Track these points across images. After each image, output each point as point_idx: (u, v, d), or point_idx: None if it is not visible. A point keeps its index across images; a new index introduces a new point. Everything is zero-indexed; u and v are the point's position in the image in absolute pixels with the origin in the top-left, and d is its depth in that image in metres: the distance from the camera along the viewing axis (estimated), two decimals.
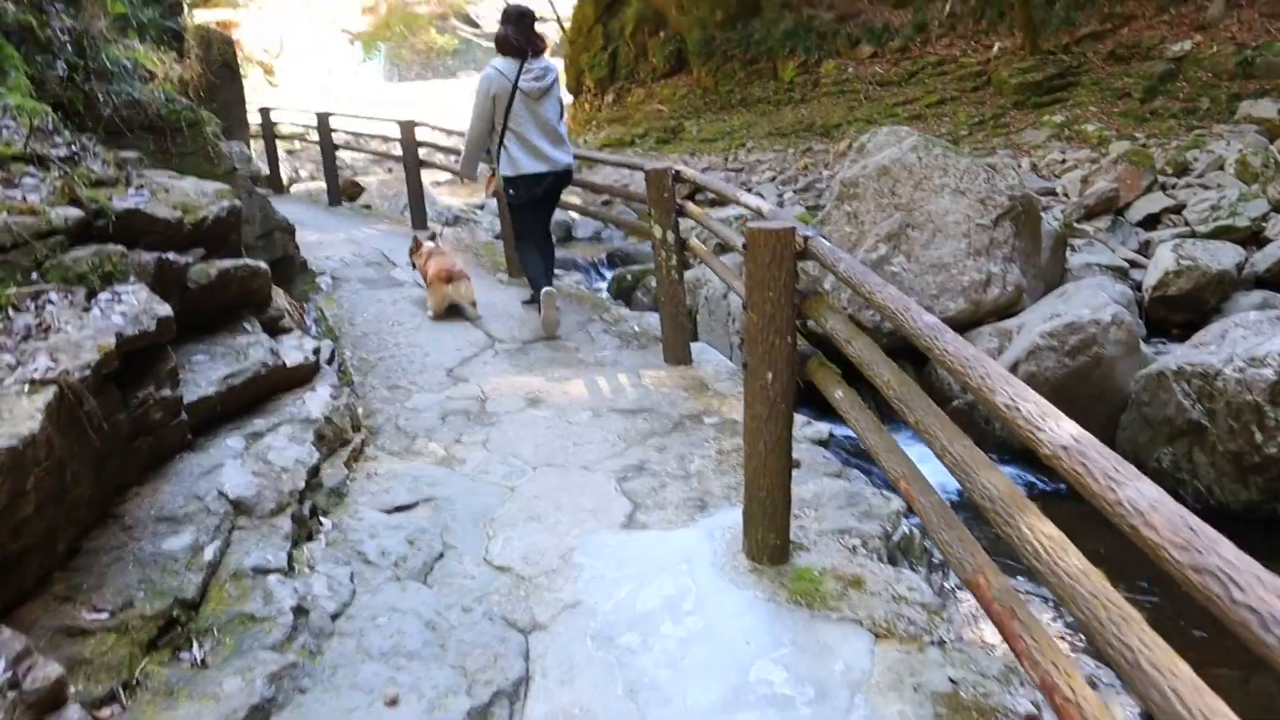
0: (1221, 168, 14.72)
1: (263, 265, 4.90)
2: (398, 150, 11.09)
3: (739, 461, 4.79)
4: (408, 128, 10.66)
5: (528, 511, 4.35)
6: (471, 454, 5.01)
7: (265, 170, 14.20)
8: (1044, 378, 8.01)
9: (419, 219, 10.81)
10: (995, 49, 20.87)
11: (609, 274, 13.79)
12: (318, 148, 13.48)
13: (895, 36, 23.01)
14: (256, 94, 35.60)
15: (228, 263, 4.59)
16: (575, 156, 7.17)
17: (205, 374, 4.28)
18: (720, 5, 25.82)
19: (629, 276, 12.62)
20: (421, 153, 11.04)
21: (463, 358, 6.54)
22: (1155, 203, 13.85)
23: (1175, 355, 7.62)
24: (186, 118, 6.92)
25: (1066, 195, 15.09)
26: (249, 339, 4.58)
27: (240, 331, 4.63)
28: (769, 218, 4.30)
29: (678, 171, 6.05)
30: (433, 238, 8.33)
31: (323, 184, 14.26)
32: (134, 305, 3.61)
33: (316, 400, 4.69)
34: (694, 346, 6.50)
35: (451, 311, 7.48)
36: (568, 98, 33.87)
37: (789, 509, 3.79)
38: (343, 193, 16.02)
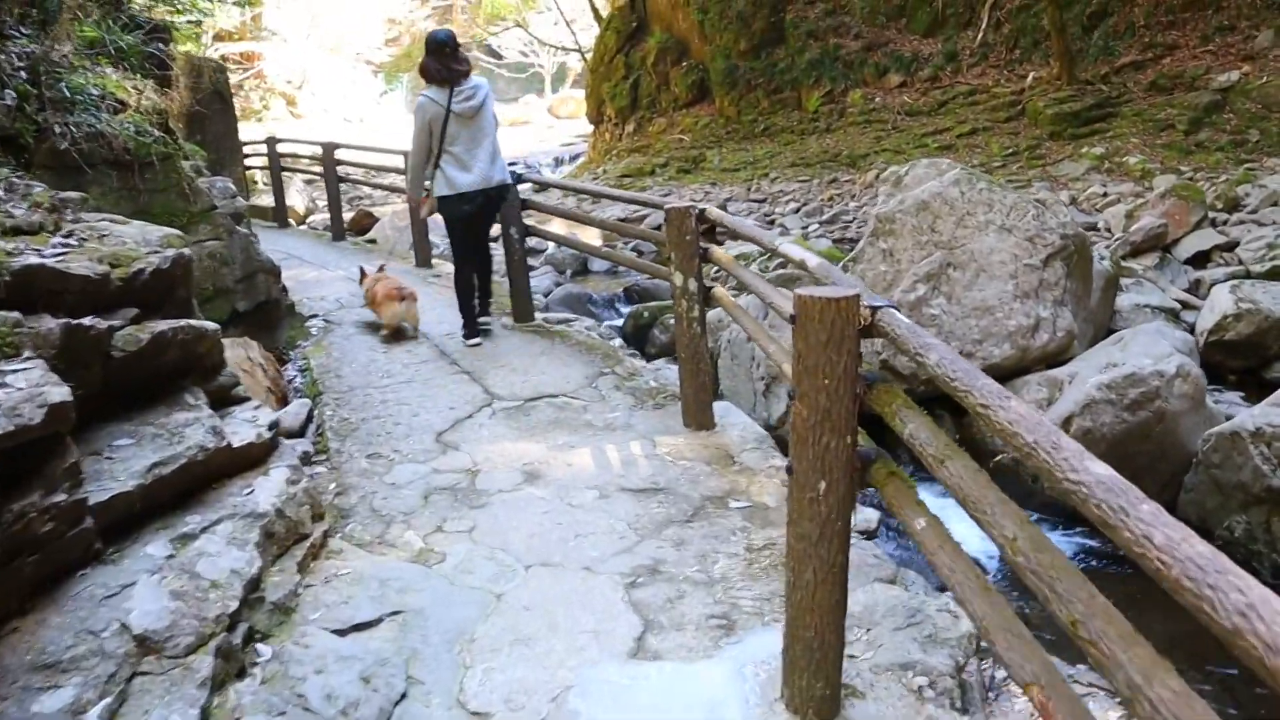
0: (1276, 203, 13.83)
1: (211, 326, 4.10)
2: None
3: (772, 562, 3.94)
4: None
5: (515, 631, 3.51)
6: (454, 546, 4.18)
7: (271, 202, 13.54)
8: (1100, 434, 7.17)
9: (423, 255, 10.03)
10: (1030, 79, 20.03)
11: (626, 309, 13.00)
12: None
13: (925, 66, 22.22)
14: (280, 125, 35.17)
15: (166, 324, 3.80)
16: (588, 191, 6.61)
17: (127, 463, 3.48)
18: (744, 34, 25.12)
19: (645, 314, 11.83)
20: None
21: (456, 418, 5.73)
22: (1206, 239, 12.98)
23: (1253, 414, 6.75)
24: (158, 151, 6.17)
25: (1109, 231, 14.21)
26: (188, 416, 3.78)
27: (179, 406, 3.83)
28: (816, 274, 3.48)
29: (701, 210, 5.24)
30: (381, 269, 8.29)
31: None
32: (16, 391, 2.82)
33: (269, 487, 3.88)
34: (716, 406, 5.66)
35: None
36: (585, 128, 33.34)
37: (841, 652, 2.94)
38: (354, 226, 15.31)
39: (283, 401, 5.97)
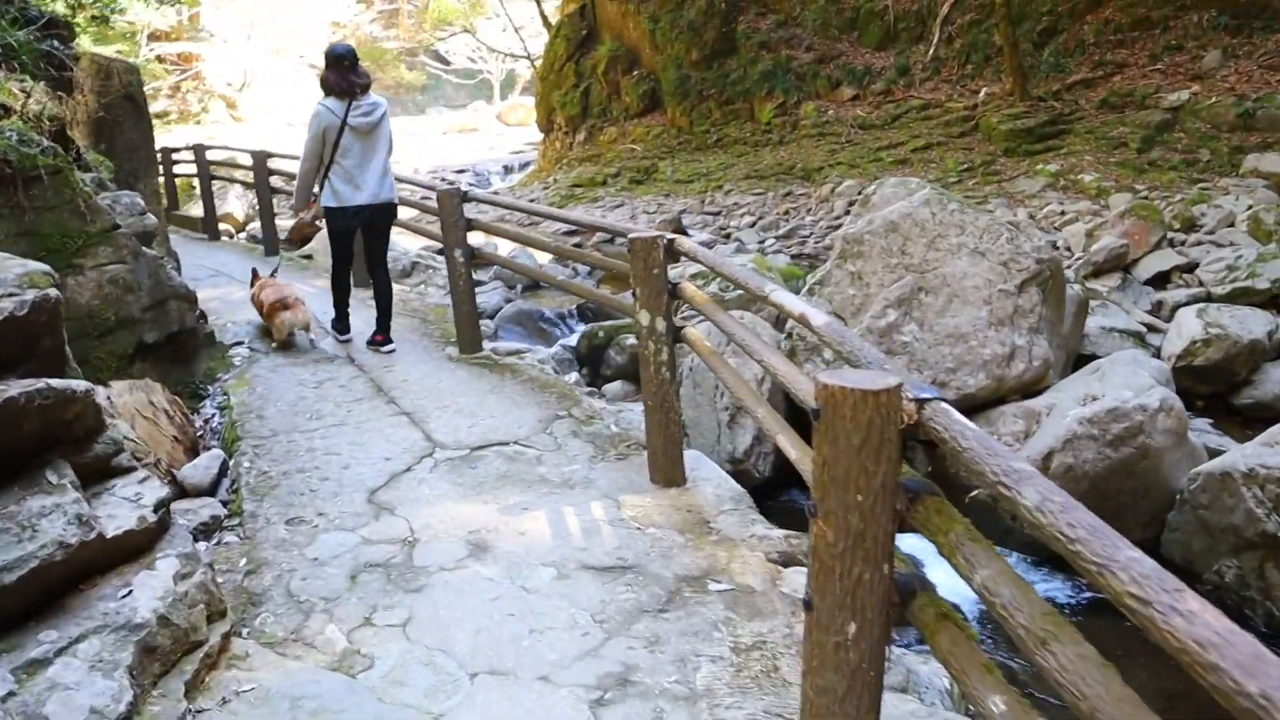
0: (1232, 224, 13.46)
1: (81, 386, 3.31)
2: None
3: (764, 668, 3.26)
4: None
5: None
6: (385, 646, 3.43)
7: (199, 213, 12.61)
8: (1082, 470, 6.66)
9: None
10: (982, 94, 19.61)
11: (579, 327, 12.30)
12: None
13: (877, 79, 21.75)
14: (220, 128, 33.92)
15: (19, 388, 3.02)
16: (542, 214, 5.96)
17: None
18: (695, 44, 24.50)
19: (600, 333, 11.19)
20: None
21: (392, 471, 4.96)
22: (1165, 260, 12.57)
23: (1244, 454, 6.23)
24: (45, 164, 5.34)
25: (1069, 250, 13.74)
26: (45, 502, 2.99)
27: (35, 489, 3.04)
28: (827, 337, 2.78)
29: (671, 241, 4.54)
30: (274, 272, 8.21)
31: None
32: None
33: (152, 586, 3.12)
34: (686, 455, 4.95)
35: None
36: (535, 136, 32.55)
37: None
38: (295, 237, 14.40)
39: (192, 452, 5.16)
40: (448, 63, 46.69)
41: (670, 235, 4.57)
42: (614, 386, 10.47)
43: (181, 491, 4.86)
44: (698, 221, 18.94)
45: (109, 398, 4.94)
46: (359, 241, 7.42)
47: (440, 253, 12.02)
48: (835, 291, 8.84)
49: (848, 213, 17.34)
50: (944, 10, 21.17)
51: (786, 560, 4.09)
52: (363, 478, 4.89)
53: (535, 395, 5.95)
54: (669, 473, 4.77)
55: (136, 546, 3.25)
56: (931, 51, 21.29)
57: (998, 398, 8.16)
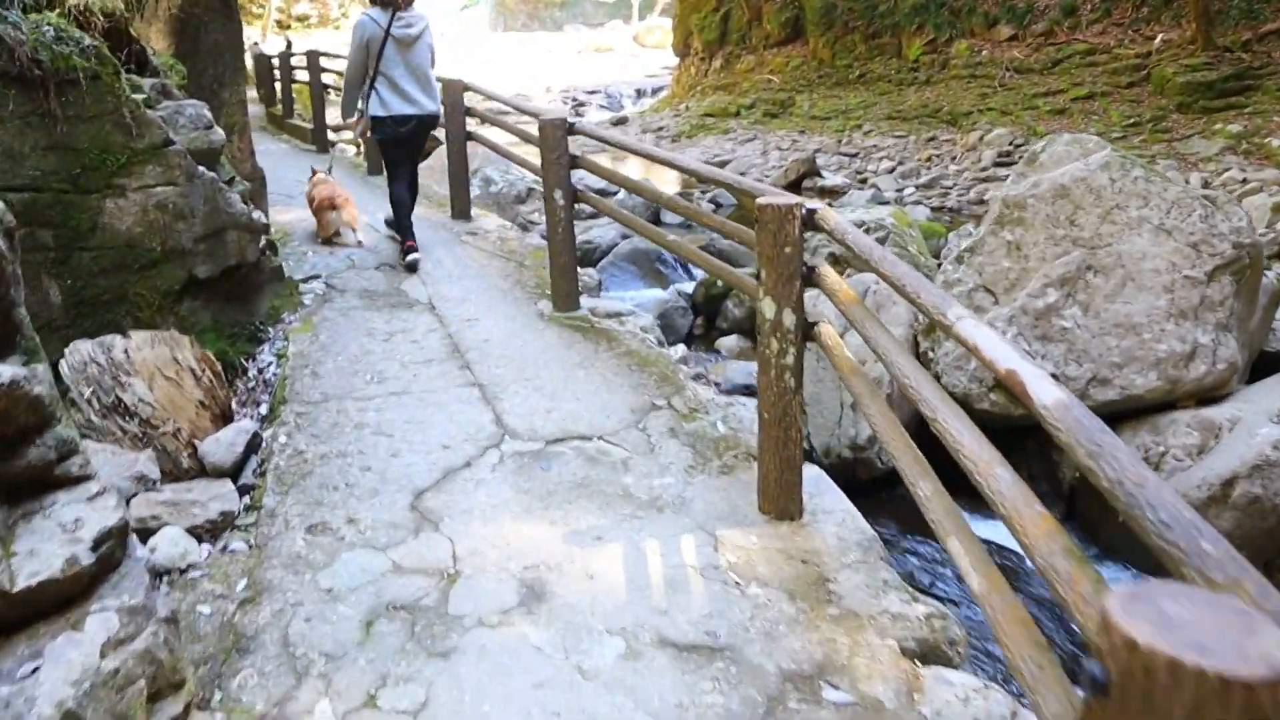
0: None
1: (12, 373, 2.43)
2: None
3: None
4: (454, 86, 8.05)
5: None
6: None
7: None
8: (1271, 504, 5.42)
9: (460, 204, 8.25)
10: (1158, 41, 17.54)
11: (697, 273, 11.26)
12: None
13: (1039, 19, 19.74)
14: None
15: None
16: (667, 160, 4.91)
17: None
18: None
19: (718, 283, 10.14)
20: (478, 118, 8.50)
21: (447, 467, 4.02)
22: None
23: None
24: (83, 66, 4.47)
25: (1252, 226, 12.07)
26: None
27: None
28: (1057, 420, 1.68)
29: (811, 213, 3.43)
30: (329, 169, 8.24)
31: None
32: None
33: (69, 660, 2.24)
34: (806, 476, 3.88)
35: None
36: (671, 60, 31.15)
37: None
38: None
39: (221, 420, 4.31)
40: None
41: (811, 205, 3.45)
42: (729, 341, 9.42)
43: (201, 469, 4.02)
44: (833, 163, 17.52)
45: (126, 350, 4.09)
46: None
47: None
48: (988, 262, 7.57)
49: (997, 164, 15.72)
50: None
51: (926, 653, 3.03)
52: (411, 472, 3.96)
53: (631, 375, 4.92)
54: (782, 503, 3.72)
55: (64, 596, 2.38)
56: None
57: (1168, 402, 6.89)
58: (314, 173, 8.12)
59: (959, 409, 2.42)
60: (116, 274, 4.78)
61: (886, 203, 14.73)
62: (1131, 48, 17.99)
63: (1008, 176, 15.53)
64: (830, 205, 12.67)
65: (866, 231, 9.91)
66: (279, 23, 29.85)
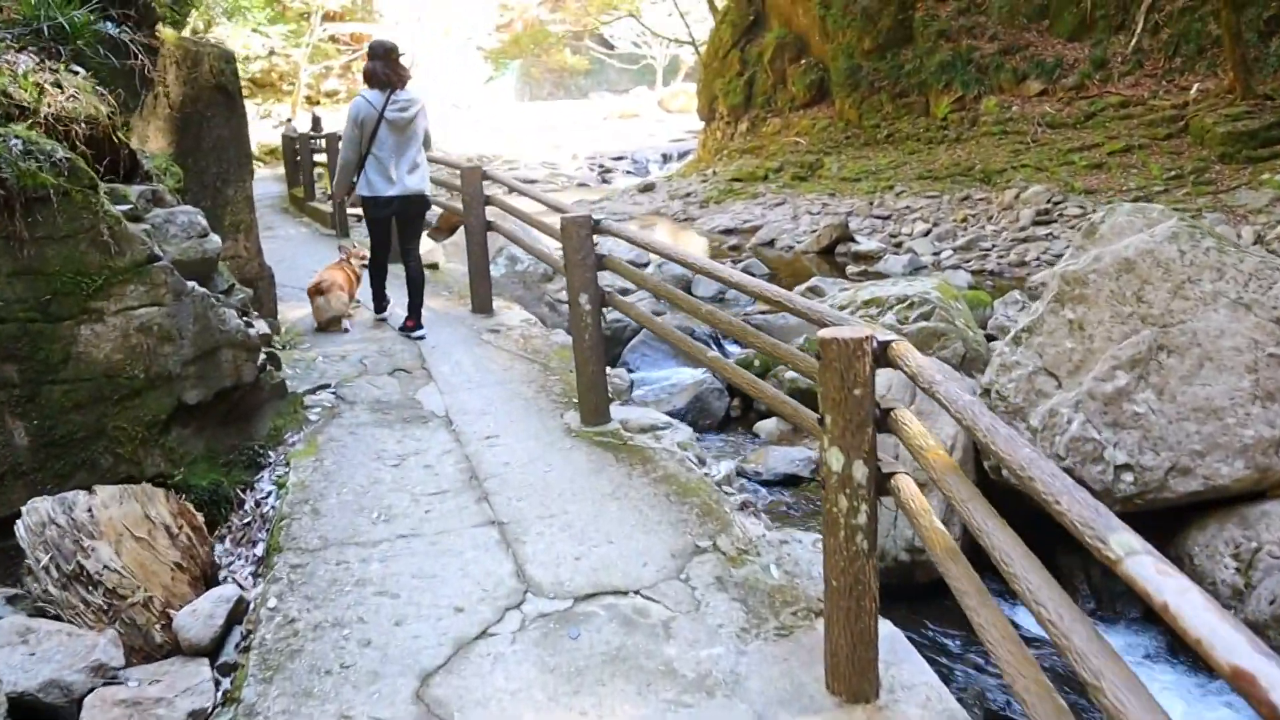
0: None
1: None
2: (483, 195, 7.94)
3: None
4: (472, 175, 7.53)
5: None
6: None
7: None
8: None
9: (481, 297, 7.67)
10: (1194, 91, 16.92)
11: (734, 351, 10.65)
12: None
13: (1069, 73, 19.18)
14: None
15: None
16: (706, 270, 4.33)
17: None
18: (868, 32, 22.35)
19: (756, 362, 9.53)
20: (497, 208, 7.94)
21: (460, 638, 3.37)
22: None
23: None
24: (52, 183, 3.96)
25: None
26: None
27: None
28: None
29: (885, 346, 2.81)
30: (348, 255, 8.09)
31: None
32: None
33: None
34: (882, 639, 3.21)
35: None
36: (696, 124, 30.83)
37: None
38: (444, 225, 13.03)
39: (203, 581, 3.71)
40: (612, 47, 45.18)
41: (884, 337, 2.83)
42: (768, 424, 8.78)
43: (176, 645, 3.41)
44: (866, 226, 16.94)
45: (90, 509, 3.52)
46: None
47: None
48: (1048, 343, 6.92)
49: (1036, 223, 15.08)
50: None
51: None
52: (418, 647, 3.32)
53: (670, 508, 4.27)
54: (855, 682, 3.05)
55: None
56: (1134, 42, 18.60)
57: (1258, 492, 6.18)
58: (341, 250, 8.01)
59: (1113, 651, 1.77)
60: (93, 407, 4.22)
61: (924, 267, 14.10)
62: (1167, 99, 17.38)
63: (1047, 235, 14.95)
64: (866, 272, 11.99)
65: (910, 307, 9.29)
66: (308, 99, 29.89)
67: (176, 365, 4.52)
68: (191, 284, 4.65)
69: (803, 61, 24.32)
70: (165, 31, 6.04)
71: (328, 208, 11.57)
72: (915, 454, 2.65)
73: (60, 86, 4.59)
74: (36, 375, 4.05)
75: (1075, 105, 18.60)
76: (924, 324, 8.99)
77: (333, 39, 30.40)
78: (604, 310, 5.21)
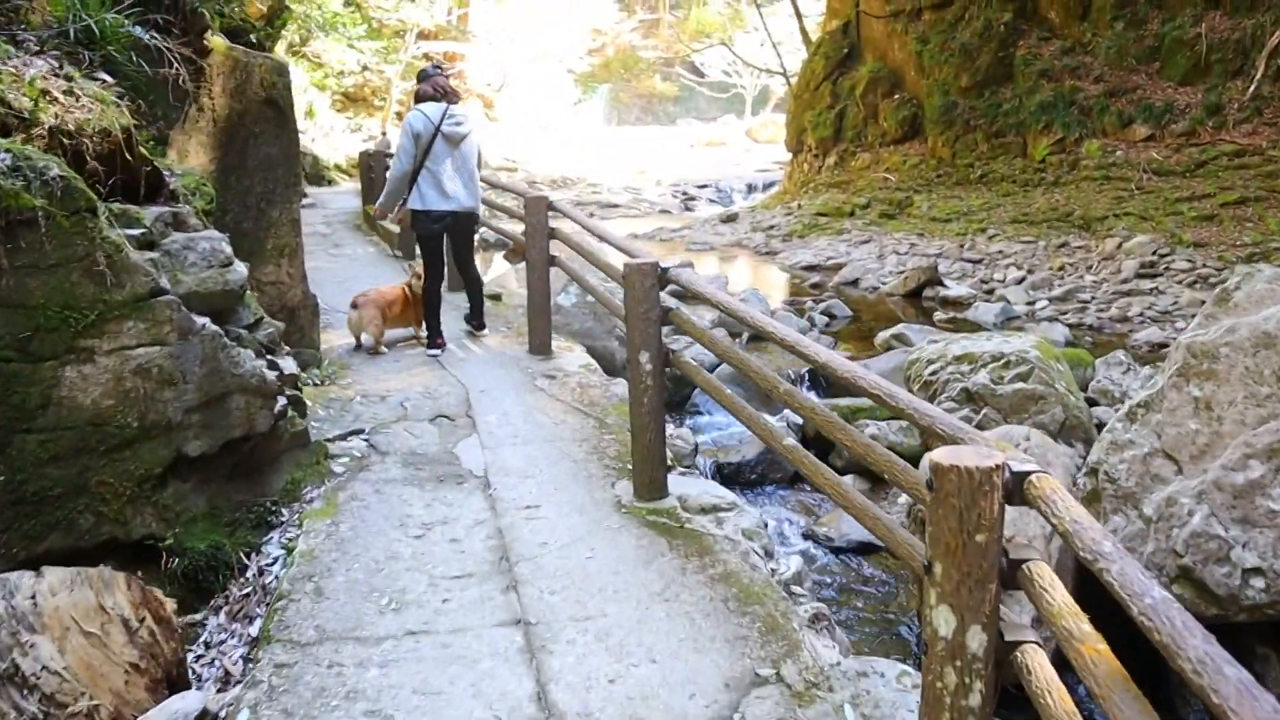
0: None
1: None
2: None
3: None
4: (536, 204, 6.90)
5: None
6: None
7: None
8: None
9: (540, 337, 7.01)
10: None
11: (810, 398, 9.88)
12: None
13: (1180, 118, 17.99)
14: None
15: None
16: (792, 345, 3.61)
17: None
18: (966, 69, 21.38)
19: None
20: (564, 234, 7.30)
21: None
22: None
23: None
24: (39, 205, 3.41)
25: None
26: None
27: None
28: None
29: (1021, 479, 2.08)
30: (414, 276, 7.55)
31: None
32: None
33: None
34: None
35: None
36: (783, 155, 30.01)
37: None
38: (515, 253, 12.46)
39: (166, 684, 3.09)
40: (702, 75, 44.61)
41: (1021, 466, 2.09)
42: (845, 480, 7.98)
43: None
44: (955, 270, 16.00)
45: (34, 596, 2.92)
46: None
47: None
48: (1169, 422, 6.05)
49: (1140, 275, 14.01)
50: (1273, 41, 17.25)
51: None
52: None
53: (728, 617, 3.54)
54: None
55: None
56: (1253, 88, 17.37)
57: None
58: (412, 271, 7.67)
59: None
60: (74, 460, 3.65)
61: (1017, 317, 13.14)
62: None
63: (1152, 289, 13.88)
64: (955, 320, 11.03)
65: (1006, 365, 8.43)
66: (399, 114, 29.83)
67: (178, 412, 3.94)
68: (203, 321, 4.07)
69: (896, 96, 23.42)
70: (214, 40, 5.53)
71: (395, 228, 11.09)
72: (1062, 641, 1.90)
73: (75, 95, 4.06)
74: (9, 422, 3.48)
75: (1185, 152, 17.42)
76: (1020, 385, 8.13)
77: (426, 56, 30.28)
78: (667, 370, 4.51)
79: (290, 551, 4.14)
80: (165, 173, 4.70)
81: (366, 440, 5.28)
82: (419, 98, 7.04)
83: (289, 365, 4.92)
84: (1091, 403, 8.81)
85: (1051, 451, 6.61)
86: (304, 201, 17.30)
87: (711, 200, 29.22)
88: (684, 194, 29.57)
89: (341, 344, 7.27)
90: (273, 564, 4.14)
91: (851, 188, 22.64)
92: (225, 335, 4.49)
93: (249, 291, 4.89)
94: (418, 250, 10.06)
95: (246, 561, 4.15)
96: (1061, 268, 15.13)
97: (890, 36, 23.75)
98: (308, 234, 13.43)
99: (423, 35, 29.44)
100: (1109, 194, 17.51)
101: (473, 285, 7.60)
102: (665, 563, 3.94)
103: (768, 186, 29.00)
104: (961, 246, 17.22)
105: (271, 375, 4.40)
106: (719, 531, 4.20)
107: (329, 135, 26.27)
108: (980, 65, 21.27)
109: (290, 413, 4.67)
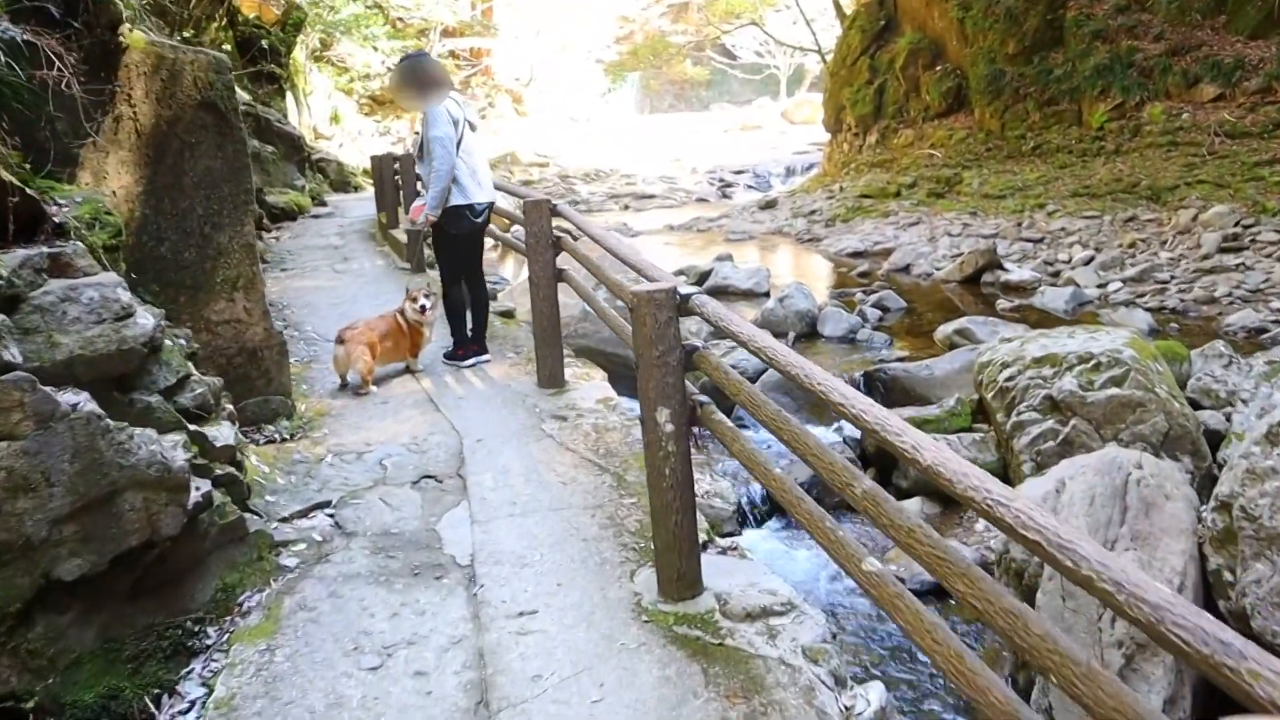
0: None
1: None
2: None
3: None
4: (536, 210, 5.75)
5: None
6: None
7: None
8: None
9: (550, 365, 5.85)
10: None
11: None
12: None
13: (1252, 75, 16.45)
14: (504, 123, 32.17)
15: None
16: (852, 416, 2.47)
17: None
18: (1013, 34, 19.93)
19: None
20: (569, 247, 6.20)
21: None
22: None
23: None
24: None
25: None
26: None
27: None
28: None
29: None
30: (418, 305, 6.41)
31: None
32: None
33: None
34: None
35: None
36: (821, 136, 28.66)
37: None
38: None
39: None
40: (734, 57, 43.10)
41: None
42: (910, 505, 6.83)
43: None
44: (1014, 250, 14.67)
45: None
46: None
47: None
48: (1238, 493, 4.93)
49: (1223, 250, 12.61)
50: None
51: None
52: None
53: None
54: None
55: None
56: None
57: None
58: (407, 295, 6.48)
59: None
60: None
61: (1088, 302, 11.82)
62: None
63: (1238, 265, 12.48)
64: (1020, 308, 9.65)
65: (1096, 368, 7.21)
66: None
67: (40, 527, 2.91)
68: (74, 400, 3.03)
69: (938, 68, 22.01)
70: (132, 35, 4.48)
71: (403, 236, 10.05)
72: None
73: None
74: None
75: (1261, 112, 15.90)
76: (1115, 391, 6.93)
77: (452, 54, 29.33)
78: (696, 431, 3.40)
79: (212, 690, 3.10)
80: (52, 204, 3.66)
81: (332, 516, 4.22)
82: (438, 81, 6.27)
83: (224, 434, 3.88)
84: (1194, 405, 7.56)
85: (1169, 480, 5.41)
86: (322, 210, 16.43)
87: (749, 186, 27.97)
88: (720, 181, 28.34)
89: (329, 381, 6.25)
90: (188, 711, 3.10)
91: (895, 166, 21.31)
92: (131, 404, 3.46)
93: (172, 343, 3.86)
94: (429, 263, 9.14)
95: (155, 710, 3.12)
96: (1132, 244, 13.76)
97: (929, 4, 22.33)
98: (319, 246, 12.51)
99: (446, 33, 28.48)
100: (1178, 161, 16.05)
101: (482, 295, 6.76)
102: (699, 708, 2.84)
103: (807, 169, 27.69)
104: (1019, 225, 15.88)
105: (181, 459, 3.34)
106: (771, 651, 3.08)
107: (356, 140, 25.39)
108: (1028, 30, 19.83)
109: (219, 499, 3.62)
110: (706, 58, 43.48)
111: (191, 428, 3.68)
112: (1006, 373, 7.62)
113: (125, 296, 3.46)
